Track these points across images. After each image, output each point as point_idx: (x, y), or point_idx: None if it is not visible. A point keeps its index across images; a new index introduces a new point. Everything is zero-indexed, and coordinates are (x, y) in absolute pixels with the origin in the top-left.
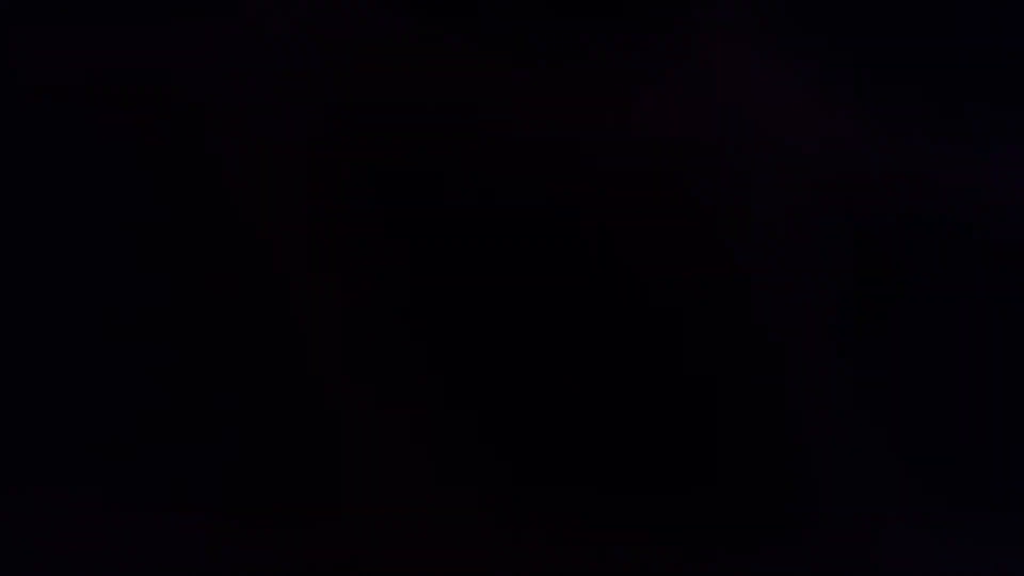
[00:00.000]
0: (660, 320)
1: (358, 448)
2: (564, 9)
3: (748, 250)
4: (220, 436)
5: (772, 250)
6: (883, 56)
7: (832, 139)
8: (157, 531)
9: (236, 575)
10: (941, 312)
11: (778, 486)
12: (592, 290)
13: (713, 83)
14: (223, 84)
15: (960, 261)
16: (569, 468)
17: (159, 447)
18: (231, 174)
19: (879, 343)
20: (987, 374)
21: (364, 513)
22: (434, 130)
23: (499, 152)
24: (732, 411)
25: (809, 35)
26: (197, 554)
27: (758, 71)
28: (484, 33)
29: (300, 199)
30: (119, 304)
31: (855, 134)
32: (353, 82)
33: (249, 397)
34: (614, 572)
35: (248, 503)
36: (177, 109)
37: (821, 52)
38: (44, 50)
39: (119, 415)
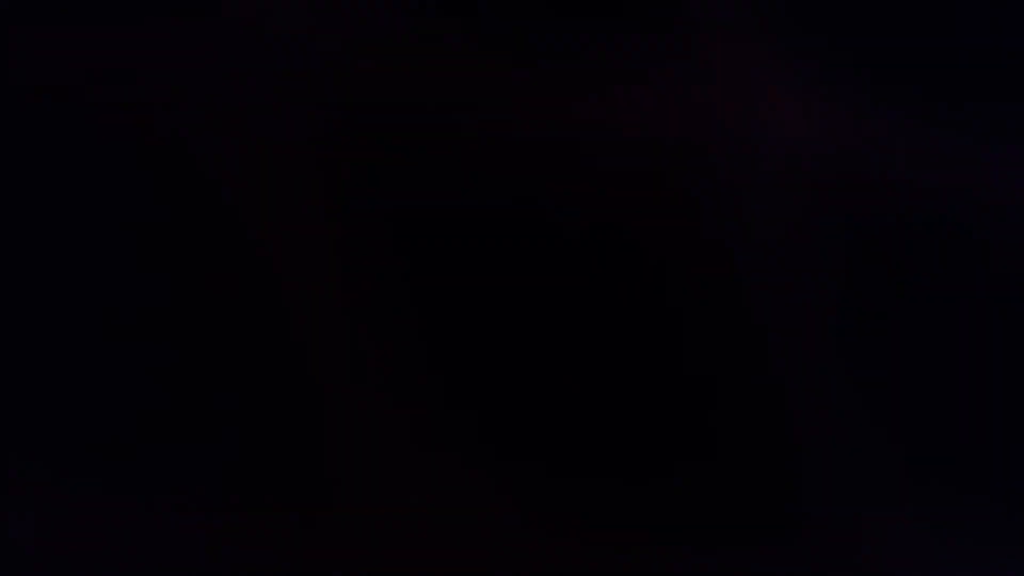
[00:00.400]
0: (660, 320)
1: (358, 447)
2: (564, 9)
3: (747, 250)
4: (220, 435)
5: (771, 250)
6: (883, 56)
7: (831, 138)
8: (158, 531)
9: (236, 574)
10: (941, 312)
11: (778, 486)
12: (592, 290)
13: (712, 83)
14: (222, 84)
15: (960, 261)
16: (568, 467)
17: (159, 446)
18: (231, 174)
19: (879, 343)
20: (987, 374)
21: (364, 512)
22: (434, 130)
23: (499, 152)
24: (731, 410)
25: (809, 35)
26: (197, 553)
27: (758, 71)
28: (484, 33)
29: (299, 199)
30: (119, 304)
31: (854, 134)
32: (353, 82)
33: (249, 396)
34: (614, 571)
35: (247, 503)
36: (176, 109)
37: (821, 52)
38: (42, 50)
39: (119, 414)
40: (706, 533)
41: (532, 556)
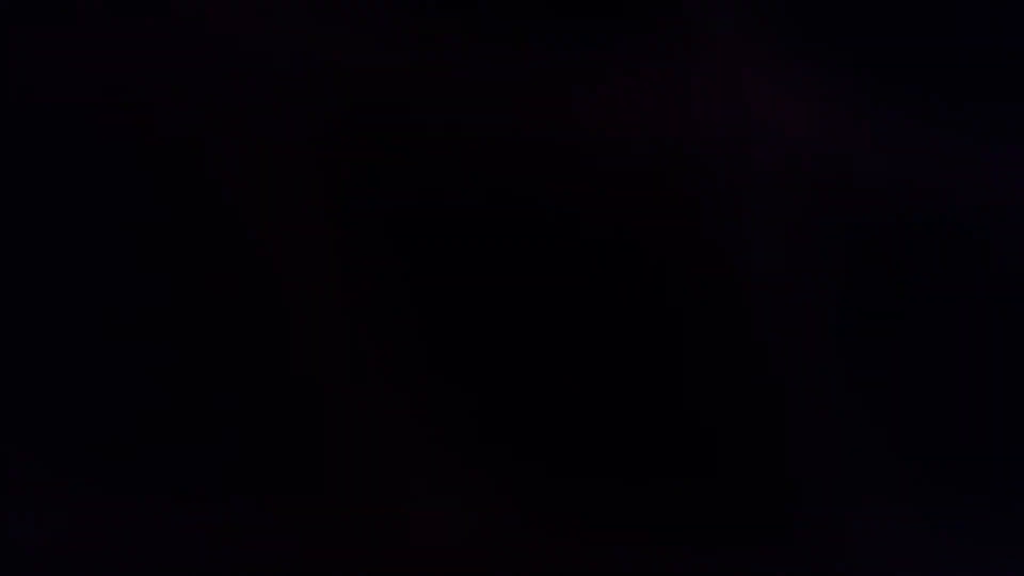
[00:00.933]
0: (658, 320)
1: (358, 447)
2: (561, 9)
3: (746, 251)
4: (219, 435)
5: (770, 250)
6: (882, 56)
7: (830, 138)
8: (158, 531)
9: (236, 574)
10: (941, 312)
11: (778, 486)
12: (591, 290)
13: (711, 83)
14: (222, 84)
15: (960, 261)
16: (568, 467)
17: (159, 446)
18: (231, 174)
19: (879, 343)
20: (987, 374)
21: (364, 512)
22: (433, 130)
23: (497, 152)
24: (730, 410)
25: (808, 34)
26: (197, 553)
27: (757, 71)
28: (483, 33)
29: (299, 199)
30: (119, 304)
31: (854, 134)
32: (353, 82)
33: (249, 396)
34: (614, 571)
35: (247, 503)
36: (176, 109)
37: (820, 51)
38: (42, 50)
39: (119, 414)
40: (706, 533)
41: (532, 556)
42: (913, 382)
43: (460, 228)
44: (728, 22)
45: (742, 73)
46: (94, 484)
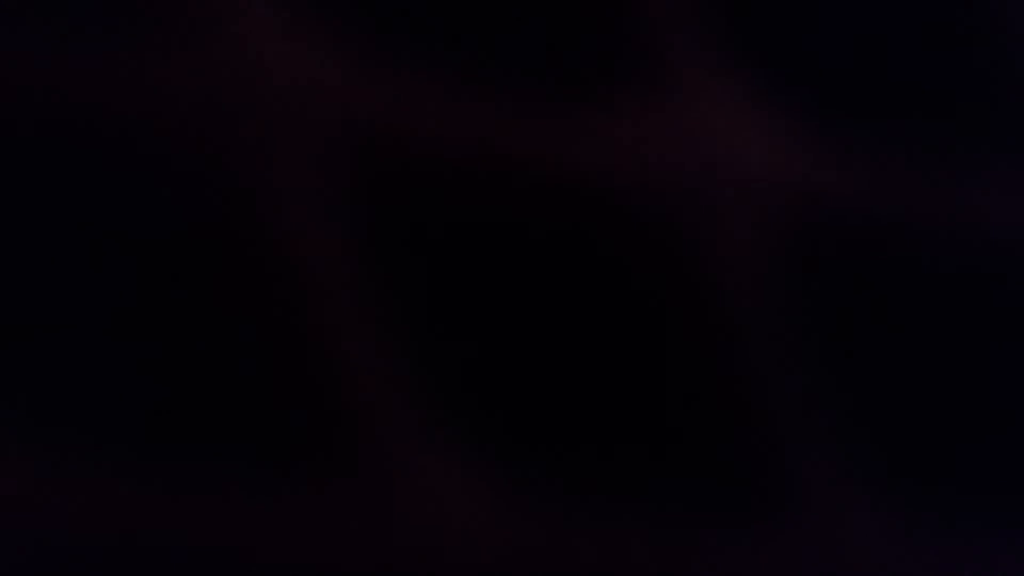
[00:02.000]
0: (652, 324)
1: (362, 446)
2: (543, 43)
3: (724, 287)
4: (222, 434)
5: (748, 288)
6: (859, 92)
7: (806, 177)
8: (157, 529)
9: (235, 569)
10: (934, 318)
11: (776, 484)
12: (581, 302)
13: (691, 119)
14: (226, 94)
15: (942, 293)
16: (567, 465)
17: (161, 444)
18: (238, 182)
19: (873, 347)
20: (979, 377)
21: (366, 511)
22: (427, 149)
23: (485, 175)
24: (727, 411)
25: (783, 72)
26: (197, 549)
27: (730, 109)
28: (469, 62)
29: (302, 205)
30: (121, 303)
31: (830, 172)
32: (354, 91)
33: (254, 396)
34: (613, 569)
35: (247, 501)
36: (175, 114)
37: (795, 89)
38: (42, 52)
39: (121, 411)
40: (704, 532)
41: (533, 554)
42: (904, 384)
43: (444, 249)
44: (701, 60)
45: (721, 109)
46: (94, 479)
